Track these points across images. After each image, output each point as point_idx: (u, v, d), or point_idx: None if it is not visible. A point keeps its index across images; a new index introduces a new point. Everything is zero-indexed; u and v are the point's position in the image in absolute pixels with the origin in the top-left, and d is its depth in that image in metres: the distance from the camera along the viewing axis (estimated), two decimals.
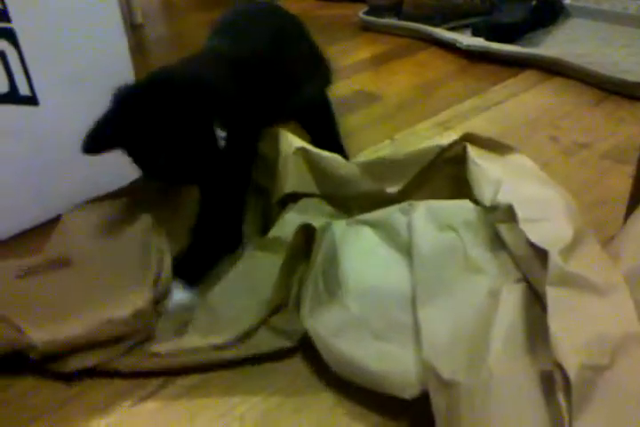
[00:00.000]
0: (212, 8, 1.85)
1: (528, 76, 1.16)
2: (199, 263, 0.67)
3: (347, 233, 0.59)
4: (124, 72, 0.79)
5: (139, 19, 1.62)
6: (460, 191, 0.58)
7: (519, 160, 0.61)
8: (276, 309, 0.59)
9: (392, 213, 0.58)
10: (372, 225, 0.59)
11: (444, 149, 0.62)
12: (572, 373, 0.38)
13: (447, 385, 0.45)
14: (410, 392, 0.49)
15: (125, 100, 0.62)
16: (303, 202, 0.67)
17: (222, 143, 0.61)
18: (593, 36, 1.27)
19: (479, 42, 1.25)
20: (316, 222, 0.60)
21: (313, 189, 0.68)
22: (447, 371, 0.45)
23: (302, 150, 0.67)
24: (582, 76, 1.11)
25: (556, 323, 0.41)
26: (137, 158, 0.62)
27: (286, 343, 0.58)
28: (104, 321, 0.58)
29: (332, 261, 0.57)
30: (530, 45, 1.23)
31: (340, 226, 0.60)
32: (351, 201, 0.67)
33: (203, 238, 0.68)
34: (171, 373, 0.59)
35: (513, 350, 0.43)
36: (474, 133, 0.61)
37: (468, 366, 0.44)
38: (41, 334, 0.57)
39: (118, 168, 0.81)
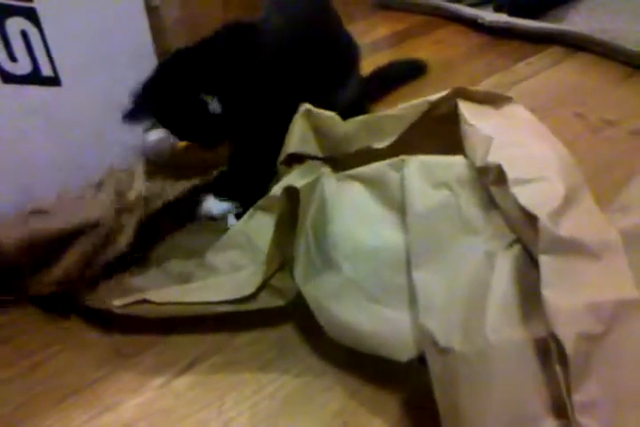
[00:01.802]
0: None
1: (552, 52, 1.15)
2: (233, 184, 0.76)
3: (337, 190, 0.58)
4: (144, 53, 0.79)
5: (155, 1, 1.60)
6: (454, 152, 0.55)
7: (515, 111, 0.58)
8: (274, 271, 0.59)
9: (383, 168, 0.56)
10: (363, 181, 0.57)
11: (433, 104, 0.59)
12: (568, 344, 0.38)
13: (443, 352, 0.44)
14: (406, 355, 0.49)
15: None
16: (306, 165, 0.68)
17: (215, 108, 0.69)
18: (619, 10, 1.24)
19: (502, 18, 1.22)
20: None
21: (315, 150, 0.68)
22: (443, 337, 0.45)
23: (309, 112, 0.67)
24: (608, 51, 1.10)
25: (549, 292, 0.40)
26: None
27: (280, 302, 0.59)
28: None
29: (324, 219, 0.57)
30: (554, 21, 1.21)
31: (330, 182, 0.59)
32: (349, 160, 0.66)
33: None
34: (169, 320, 0.61)
35: (509, 317, 0.43)
36: (465, 87, 0.58)
37: (464, 332, 0.44)
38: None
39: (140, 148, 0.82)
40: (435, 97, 0.58)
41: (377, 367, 0.55)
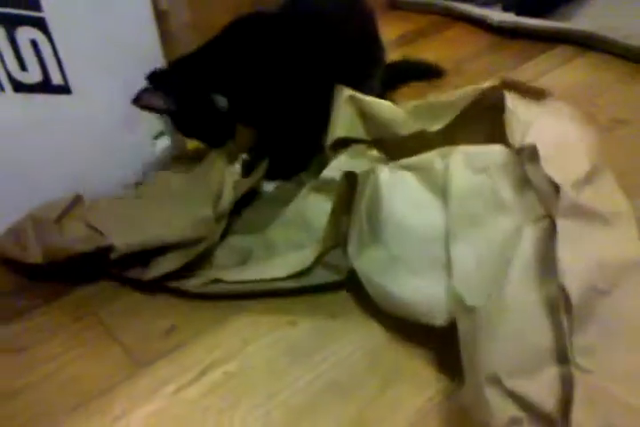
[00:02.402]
0: None
1: (561, 51, 1.15)
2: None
3: (390, 178, 0.64)
4: (154, 59, 0.80)
5: (164, 5, 1.61)
6: (498, 136, 0.61)
7: (555, 104, 0.65)
8: (329, 249, 0.66)
9: (432, 157, 0.62)
10: (413, 169, 0.63)
11: (483, 91, 0.65)
12: (574, 294, 0.43)
13: (469, 310, 0.51)
14: (440, 320, 0.55)
15: None
16: (353, 148, 0.75)
17: (223, 106, 0.76)
18: (628, 9, 1.24)
19: (510, 17, 1.23)
20: (362, 168, 0.66)
21: (361, 133, 0.76)
22: (470, 297, 0.51)
23: (352, 98, 0.75)
24: (618, 50, 1.12)
25: (562, 251, 0.46)
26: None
27: (336, 277, 0.65)
28: (175, 225, 0.68)
29: (376, 204, 0.63)
30: (562, 20, 1.22)
31: (383, 171, 0.64)
32: (396, 144, 0.73)
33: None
34: (237, 296, 0.65)
35: (527, 278, 0.48)
36: (512, 79, 0.65)
37: (488, 293, 0.50)
38: (120, 238, 0.65)
39: (150, 154, 0.83)
40: (485, 85, 0.66)
41: (391, 375, 0.58)
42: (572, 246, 0.46)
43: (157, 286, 0.68)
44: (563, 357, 0.44)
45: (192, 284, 0.66)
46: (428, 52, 1.18)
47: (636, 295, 0.46)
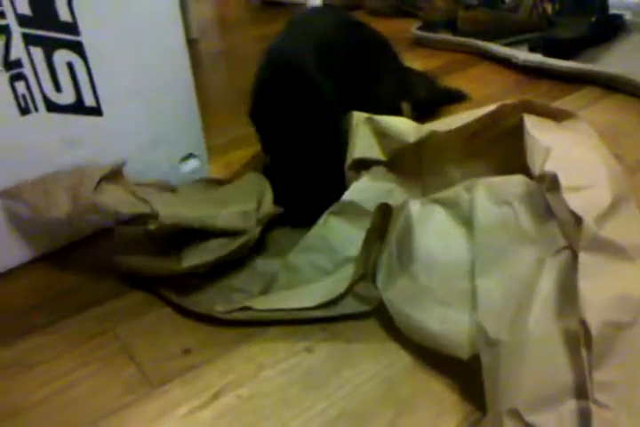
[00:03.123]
0: (266, 23, 1.90)
1: (588, 92, 1.16)
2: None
3: (420, 211, 0.64)
4: (184, 86, 0.82)
5: (194, 33, 1.66)
6: (518, 159, 0.62)
7: (576, 125, 0.64)
8: (360, 278, 0.66)
9: (458, 191, 0.63)
10: (442, 203, 0.64)
11: (499, 108, 0.66)
12: (595, 328, 0.43)
13: (492, 343, 0.51)
14: (465, 352, 0.55)
15: None
16: (373, 170, 0.76)
17: None
18: None
19: (536, 57, 1.24)
20: (382, 190, 0.71)
21: (378, 152, 0.76)
22: (493, 331, 0.51)
23: (370, 119, 0.76)
24: None
25: (583, 285, 0.46)
26: None
27: (366, 307, 0.66)
28: (218, 213, 0.69)
29: (406, 237, 0.63)
30: (589, 61, 1.23)
31: (414, 204, 0.65)
32: (409, 160, 0.75)
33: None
34: (262, 323, 0.66)
35: (549, 311, 0.49)
36: (531, 100, 0.65)
37: (511, 326, 0.50)
38: (165, 209, 0.66)
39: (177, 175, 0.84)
40: (502, 103, 0.66)
41: (406, 405, 0.57)
42: (594, 280, 0.46)
43: (182, 310, 0.68)
44: (582, 391, 0.44)
45: (219, 310, 0.66)
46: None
47: None
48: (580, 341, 0.44)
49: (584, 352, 0.44)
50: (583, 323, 0.44)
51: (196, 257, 0.68)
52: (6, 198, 0.71)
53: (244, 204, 0.73)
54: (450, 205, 0.63)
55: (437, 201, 0.65)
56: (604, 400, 0.43)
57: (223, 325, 0.66)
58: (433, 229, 0.63)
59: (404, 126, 0.74)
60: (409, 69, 1.09)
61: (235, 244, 0.69)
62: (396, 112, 0.91)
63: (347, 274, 0.66)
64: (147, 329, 0.67)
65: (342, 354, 0.63)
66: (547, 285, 0.50)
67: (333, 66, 0.81)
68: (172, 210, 0.67)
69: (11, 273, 0.76)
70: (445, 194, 0.65)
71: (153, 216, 0.65)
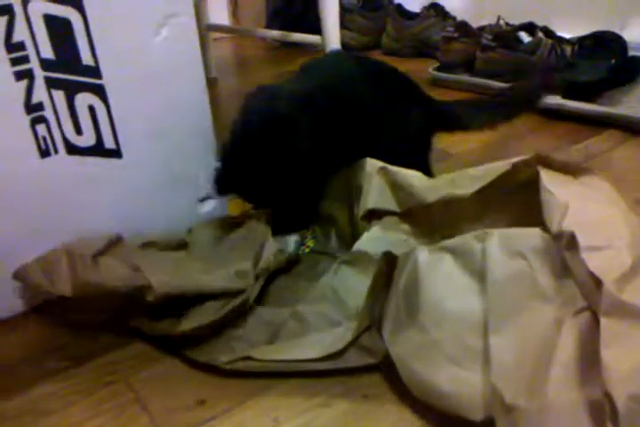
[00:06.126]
0: (283, 62, 1.92)
1: (610, 135, 1.16)
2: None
3: (429, 259, 0.63)
4: (203, 126, 0.83)
5: (213, 72, 1.68)
6: (533, 214, 0.60)
7: (593, 181, 0.63)
8: (364, 330, 0.65)
9: (469, 240, 0.61)
10: (452, 252, 0.62)
11: (514, 165, 0.65)
12: (620, 403, 0.42)
13: (509, 409, 0.49)
14: (477, 414, 0.53)
15: None
16: (385, 220, 0.76)
17: None
18: None
19: (555, 99, 1.23)
20: (395, 241, 0.70)
21: (393, 205, 0.77)
22: (510, 395, 0.49)
23: (384, 169, 0.76)
24: None
25: (606, 353, 0.44)
26: None
27: (372, 360, 0.64)
28: (217, 274, 0.70)
29: (414, 286, 0.62)
30: (609, 104, 1.22)
31: (422, 252, 0.64)
32: (424, 215, 0.74)
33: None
34: (267, 375, 0.64)
35: (570, 379, 0.47)
36: (546, 155, 0.64)
37: (528, 391, 0.48)
38: (160, 278, 0.66)
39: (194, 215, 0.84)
40: (516, 159, 0.65)
41: None
42: (616, 348, 0.45)
43: (187, 360, 0.67)
44: None
45: (222, 360, 0.65)
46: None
47: None
48: (604, 412, 0.43)
49: (610, 426, 0.42)
50: (608, 396, 0.42)
51: (194, 321, 0.67)
52: (18, 280, 0.72)
53: (244, 259, 0.73)
54: (460, 254, 0.62)
55: (446, 249, 0.63)
56: None
57: (237, 375, 0.65)
58: (442, 278, 0.61)
59: (419, 183, 0.73)
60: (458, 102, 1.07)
61: (229, 306, 0.68)
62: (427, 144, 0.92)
63: (352, 325, 0.64)
64: (159, 378, 0.66)
65: (358, 410, 0.61)
66: (566, 348, 0.48)
67: (346, 108, 0.80)
68: (166, 278, 0.67)
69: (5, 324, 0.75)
70: (454, 242, 0.63)
71: (148, 287, 0.66)
